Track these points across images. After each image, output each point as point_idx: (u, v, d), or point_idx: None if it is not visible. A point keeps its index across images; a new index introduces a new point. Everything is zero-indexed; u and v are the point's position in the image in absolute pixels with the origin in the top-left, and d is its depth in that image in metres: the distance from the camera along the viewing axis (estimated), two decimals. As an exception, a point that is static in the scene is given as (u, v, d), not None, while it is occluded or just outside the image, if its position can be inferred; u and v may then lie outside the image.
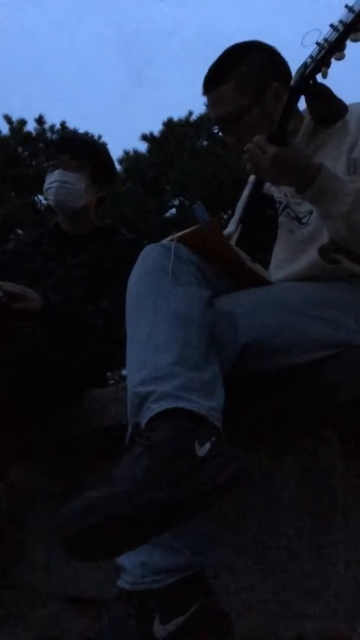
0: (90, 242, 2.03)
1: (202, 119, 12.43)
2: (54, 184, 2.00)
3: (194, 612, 1.02)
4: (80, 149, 2.07)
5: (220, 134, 1.48)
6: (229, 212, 9.54)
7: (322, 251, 1.28)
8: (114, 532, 0.86)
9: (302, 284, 1.29)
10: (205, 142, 12.34)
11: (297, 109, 1.37)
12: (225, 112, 1.41)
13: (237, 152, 1.39)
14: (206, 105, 1.50)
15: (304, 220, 1.35)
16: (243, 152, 1.26)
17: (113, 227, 2.14)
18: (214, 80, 1.42)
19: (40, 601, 1.67)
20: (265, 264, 1.41)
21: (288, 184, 1.30)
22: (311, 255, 1.30)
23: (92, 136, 12.46)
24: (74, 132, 11.34)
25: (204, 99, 1.49)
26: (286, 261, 1.38)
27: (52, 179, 2.01)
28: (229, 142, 1.44)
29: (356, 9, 1.11)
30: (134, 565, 1.02)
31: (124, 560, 1.03)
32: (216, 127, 1.49)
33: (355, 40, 1.13)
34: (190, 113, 12.54)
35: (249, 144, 1.23)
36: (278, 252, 1.41)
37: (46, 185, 2.04)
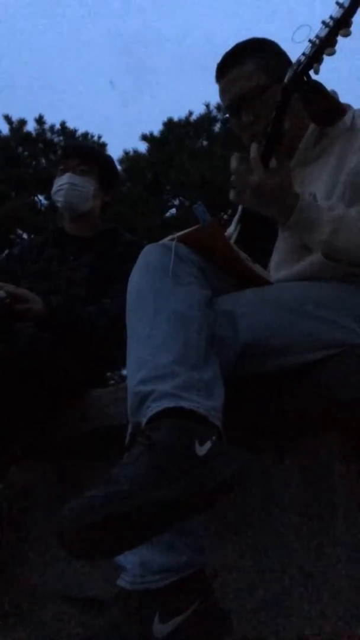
0: (93, 243, 2.05)
1: (202, 119, 12.43)
2: (64, 187, 2.06)
3: (194, 611, 1.02)
4: (88, 154, 2.16)
5: (230, 118, 1.47)
6: (229, 212, 9.54)
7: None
8: (114, 531, 0.86)
9: (302, 284, 1.29)
10: (205, 142, 12.34)
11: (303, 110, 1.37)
12: (246, 88, 1.41)
13: (249, 136, 1.40)
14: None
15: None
16: (253, 138, 1.28)
17: (115, 229, 2.16)
18: (233, 60, 1.44)
19: (40, 601, 1.67)
20: (264, 265, 1.41)
21: (268, 213, 1.30)
22: (312, 255, 1.30)
23: (92, 136, 12.52)
24: (81, 139, 11.48)
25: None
26: (287, 261, 1.38)
27: (62, 181, 2.07)
28: (245, 121, 1.43)
29: (346, 4, 1.12)
30: (134, 565, 1.02)
31: (123, 559, 1.03)
32: (229, 109, 1.48)
33: (345, 35, 1.14)
34: (191, 113, 12.55)
35: (238, 167, 1.26)
36: (278, 252, 1.41)
37: (55, 188, 2.10)
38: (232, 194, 1.29)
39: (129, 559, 1.02)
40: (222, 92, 1.47)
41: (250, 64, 1.42)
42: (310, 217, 1.23)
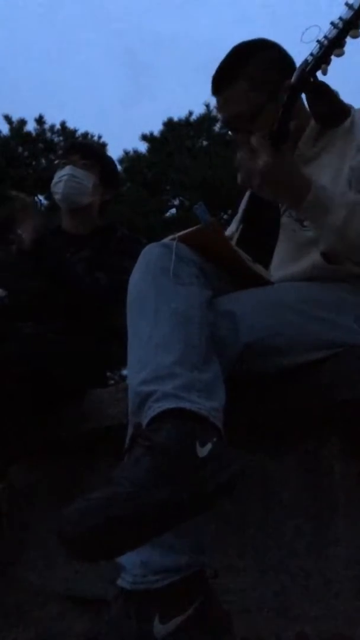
0: (90, 239, 2.06)
1: (202, 119, 12.44)
2: (64, 178, 2.07)
3: (194, 611, 1.02)
4: (89, 151, 2.18)
5: (230, 133, 1.47)
6: (229, 212, 9.54)
7: (324, 252, 1.28)
8: (115, 532, 0.85)
9: (303, 284, 1.29)
10: (205, 142, 12.34)
11: (304, 109, 1.37)
12: (239, 110, 1.40)
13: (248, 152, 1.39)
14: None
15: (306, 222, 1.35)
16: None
17: (112, 225, 2.16)
18: (224, 80, 1.41)
19: (40, 601, 1.67)
20: (265, 265, 1.41)
21: (280, 198, 1.29)
22: (313, 256, 1.30)
23: (92, 136, 12.53)
24: (81, 139, 11.57)
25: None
26: (288, 261, 1.38)
27: (62, 173, 2.09)
28: (242, 141, 1.41)
29: (356, 5, 1.12)
30: (134, 565, 1.02)
31: (124, 559, 1.03)
32: (227, 126, 1.48)
33: (354, 37, 1.14)
34: (190, 113, 12.57)
35: (240, 154, 1.24)
36: (280, 252, 1.41)
37: (55, 180, 2.11)
38: (239, 178, 1.28)
39: (129, 559, 1.02)
40: (218, 108, 1.47)
41: (242, 82, 1.38)
42: (324, 199, 1.20)
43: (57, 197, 2.12)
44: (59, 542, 0.86)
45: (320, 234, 1.25)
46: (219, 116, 11.54)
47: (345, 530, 1.21)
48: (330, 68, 1.17)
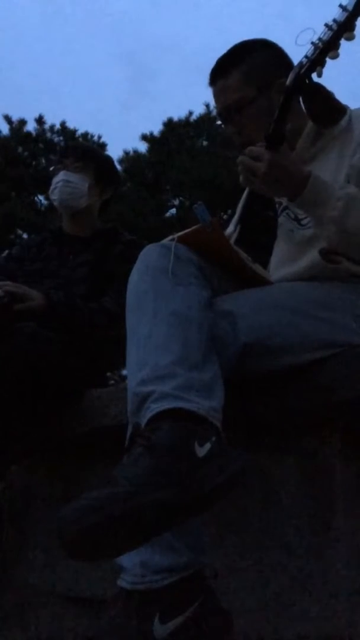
0: (92, 242, 2.06)
1: (202, 119, 12.45)
2: (59, 184, 2.08)
3: (194, 611, 1.02)
4: (82, 152, 2.18)
5: (222, 125, 1.49)
6: (229, 212, 9.54)
7: (322, 251, 1.28)
8: (114, 532, 0.86)
9: (302, 284, 1.29)
10: (205, 142, 12.35)
11: (301, 111, 1.37)
12: (230, 100, 1.43)
13: (237, 146, 1.41)
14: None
15: (304, 222, 1.35)
16: (243, 146, 1.27)
17: (115, 228, 2.16)
18: (220, 70, 1.45)
19: (40, 601, 1.67)
20: (263, 265, 1.41)
21: (280, 194, 1.30)
22: (312, 255, 1.30)
23: (92, 136, 12.54)
24: (81, 139, 11.60)
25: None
26: (286, 261, 1.38)
27: (57, 179, 2.10)
28: (230, 132, 1.45)
29: (349, 8, 1.12)
30: (134, 565, 1.02)
31: (123, 559, 1.03)
32: (219, 118, 1.50)
33: (349, 39, 1.14)
34: (190, 113, 12.58)
35: (242, 157, 1.24)
36: (278, 252, 1.41)
37: (51, 187, 2.12)
38: (241, 179, 1.29)
39: (129, 559, 1.02)
40: (214, 99, 1.50)
41: (236, 74, 1.42)
42: (322, 191, 1.21)
43: (55, 203, 2.14)
44: (58, 541, 0.86)
45: (320, 228, 1.25)
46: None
47: (345, 531, 1.21)
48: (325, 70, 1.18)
